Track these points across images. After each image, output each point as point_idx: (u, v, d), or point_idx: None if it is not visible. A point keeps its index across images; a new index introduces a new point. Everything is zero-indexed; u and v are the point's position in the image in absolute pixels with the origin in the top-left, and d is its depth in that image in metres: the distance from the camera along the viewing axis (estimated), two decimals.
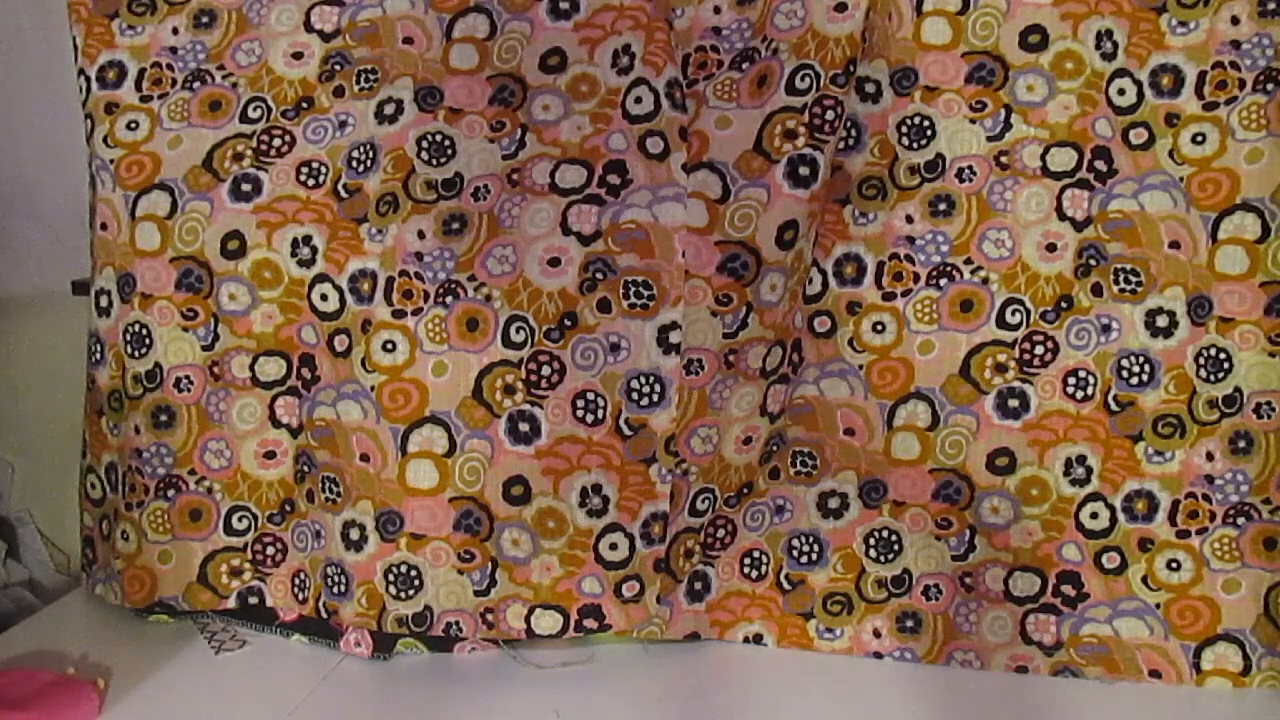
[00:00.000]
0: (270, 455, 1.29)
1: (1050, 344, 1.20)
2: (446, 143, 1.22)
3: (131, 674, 1.19)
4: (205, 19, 1.29)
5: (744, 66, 1.19)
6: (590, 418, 1.19)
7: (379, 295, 1.21)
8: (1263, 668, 1.17)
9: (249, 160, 1.26)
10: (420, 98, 1.23)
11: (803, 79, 1.15)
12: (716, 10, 1.22)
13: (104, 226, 1.29)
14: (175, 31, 1.29)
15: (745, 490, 1.27)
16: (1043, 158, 1.20)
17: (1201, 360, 1.18)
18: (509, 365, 1.19)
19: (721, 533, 1.28)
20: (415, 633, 1.23)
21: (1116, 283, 1.19)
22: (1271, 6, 1.15)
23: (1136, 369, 1.19)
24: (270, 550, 1.30)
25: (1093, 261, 1.20)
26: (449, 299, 1.20)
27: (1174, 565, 1.19)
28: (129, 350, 1.28)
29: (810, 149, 1.16)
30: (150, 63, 1.29)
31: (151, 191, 1.26)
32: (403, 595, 1.22)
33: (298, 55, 1.27)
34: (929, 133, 1.21)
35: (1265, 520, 1.18)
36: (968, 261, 1.22)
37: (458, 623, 1.22)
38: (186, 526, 1.29)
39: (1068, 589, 1.21)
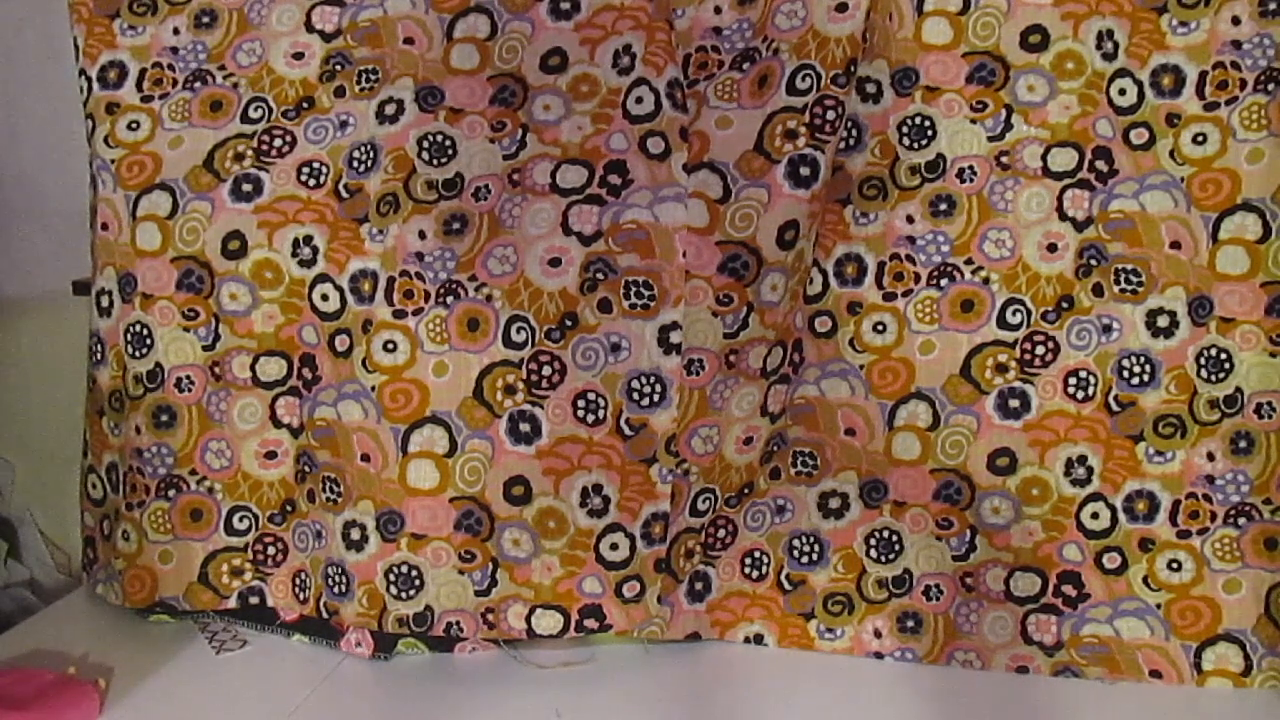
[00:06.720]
0: (271, 455, 1.29)
1: (1051, 344, 1.20)
2: (447, 143, 1.22)
3: (132, 674, 1.20)
4: (206, 19, 1.29)
5: (745, 67, 1.19)
6: (591, 418, 1.19)
7: (380, 295, 1.21)
8: (1264, 668, 1.17)
9: (250, 160, 1.26)
10: (421, 98, 1.23)
11: (803, 79, 1.15)
12: (717, 10, 1.22)
13: (105, 226, 1.29)
14: (176, 32, 1.29)
15: (746, 490, 1.27)
16: (1043, 158, 1.20)
17: (1202, 360, 1.18)
18: (510, 365, 1.19)
19: (722, 533, 1.28)
20: (416, 633, 1.23)
21: (1117, 283, 1.19)
22: (1272, 7, 1.15)
23: (1137, 369, 1.19)
24: (271, 550, 1.30)
25: (1094, 262, 1.20)
26: (450, 299, 1.20)
27: (1175, 565, 1.19)
28: (130, 350, 1.28)
29: (811, 149, 1.16)
30: (151, 63, 1.29)
31: (152, 191, 1.26)
32: (403, 595, 1.22)
33: (298, 55, 1.27)
34: (930, 133, 1.21)
35: (1266, 520, 1.18)
36: (968, 262, 1.22)
37: (458, 623, 1.22)
38: (187, 526, 1.29)
39: (1068, 589, 1.21)
